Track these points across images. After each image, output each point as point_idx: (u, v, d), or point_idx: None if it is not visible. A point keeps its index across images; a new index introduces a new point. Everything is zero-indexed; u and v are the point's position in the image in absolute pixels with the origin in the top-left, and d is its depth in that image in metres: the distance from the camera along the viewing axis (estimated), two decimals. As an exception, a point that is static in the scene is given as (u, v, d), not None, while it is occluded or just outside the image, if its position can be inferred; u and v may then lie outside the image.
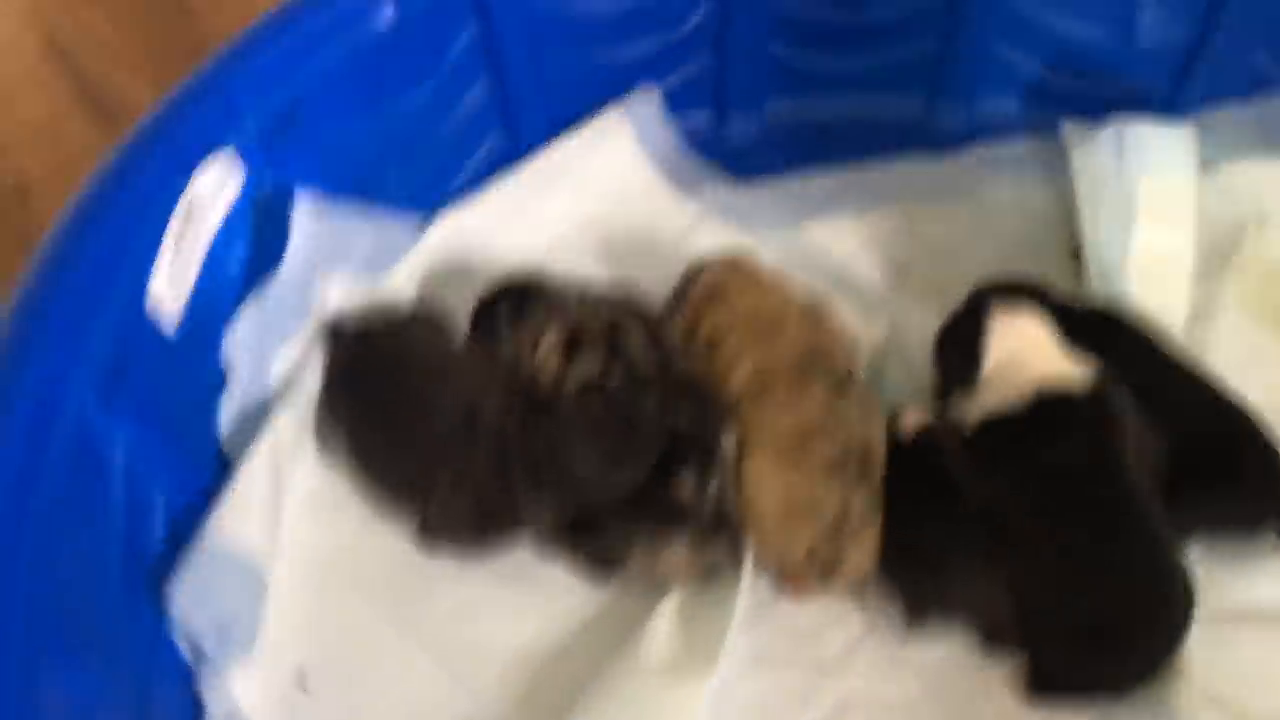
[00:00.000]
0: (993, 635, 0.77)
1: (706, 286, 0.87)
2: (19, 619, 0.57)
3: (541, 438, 0.76)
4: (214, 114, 0.72)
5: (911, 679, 0.77)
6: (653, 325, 0.84)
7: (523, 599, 0.79)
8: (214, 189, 0.71)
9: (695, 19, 1.00)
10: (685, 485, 0.75)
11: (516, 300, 0.85)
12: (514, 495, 0.76)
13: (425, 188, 0.92)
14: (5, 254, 1.02)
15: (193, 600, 0.70)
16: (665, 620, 0.76)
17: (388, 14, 0.81)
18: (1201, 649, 0.77)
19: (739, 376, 0.83)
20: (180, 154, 0.70)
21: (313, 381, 0.80)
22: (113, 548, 0.65)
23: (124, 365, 0.66)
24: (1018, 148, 1.08)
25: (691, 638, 0.76)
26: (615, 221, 0.98)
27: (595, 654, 0.76)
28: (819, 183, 1.05)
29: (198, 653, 0.70)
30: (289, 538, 0.77)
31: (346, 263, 0.85)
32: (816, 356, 0.84)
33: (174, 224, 0.69)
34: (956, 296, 0.93)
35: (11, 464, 0.59)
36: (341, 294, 0.84)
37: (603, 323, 0.82)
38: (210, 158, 0.71)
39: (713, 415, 0.79)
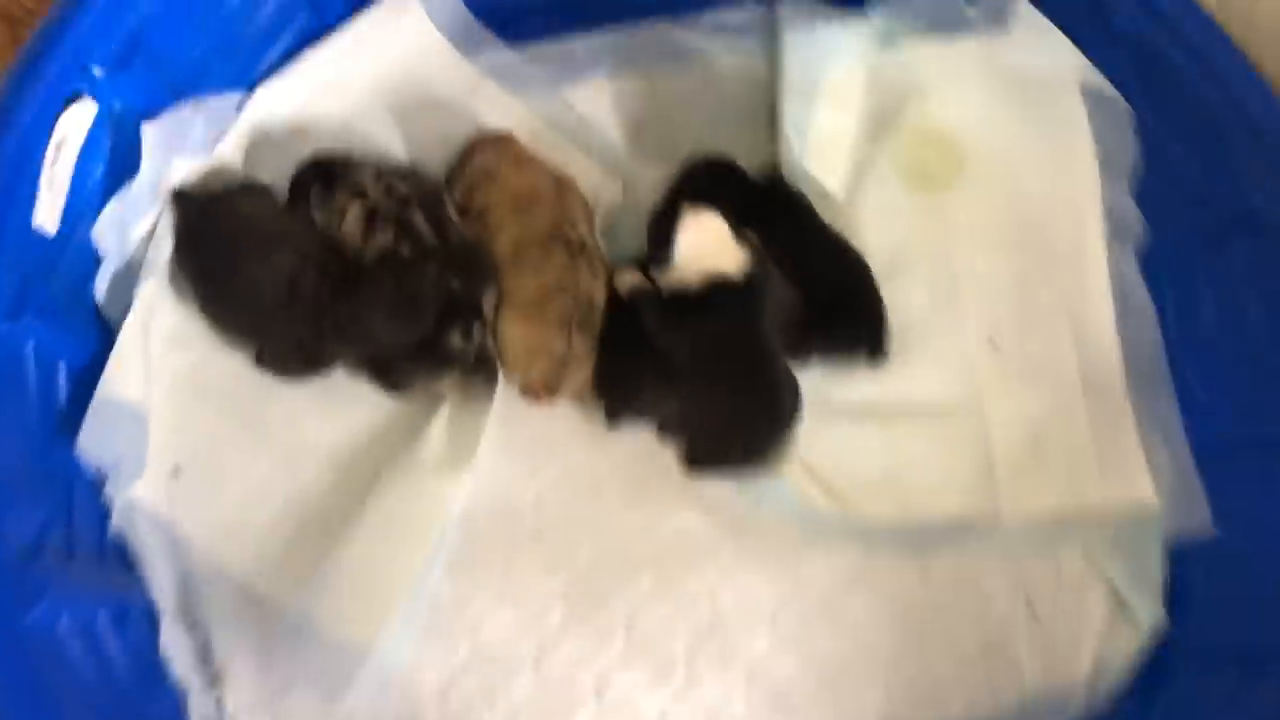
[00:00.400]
0: (664, 429, 1.13)
1: (478, 168, 1.12)
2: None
3: (347, 306, 1.03)
4: (64, 68, 0.90)
5: (608, 457, 1.13)
6: (435, 201, 1.09)
7: (336, 407, 1.09)
8: (71, 125, 0.91)
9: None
10: (455, 337, 1.06)
11: (324, 179, 1.08)
12: (327, 345, 1.05)
13: (245, 71, 1.10)
14: None
15: (95, 444, 0.96)
16: (439, 424, 1.09)
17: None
18: (808, 434, 1.14)
19: (500, 245, 1.11)
20: (42, 105, 0.89)
21: (166, 248, 1.04)
22: (31, 413, 0.92)
23: (23, 285, 0.89)
24: (746, 15, 1.30)
25: (457, 437, 1.09)
26: (407, 88, 1.17)
27: (389, 449, 1.08)
28: (577, 46, 1.24)
29: (103, 475, 0.99)
30: (157, 366, 1.04)
31: (185, 146, 1.05)
32: (561, 226, 1.11)
33: (46, 165, 0.89)
34: (680, 157, 1.21)
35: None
36: (182, 170, 1.05)
37: (395, 201, 1.07)
38: (67, 104, 0.90)
39: (479, 279, 1.08)
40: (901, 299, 1.19)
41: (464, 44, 1.21)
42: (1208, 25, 1.17)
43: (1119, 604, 1.17)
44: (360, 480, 1.07)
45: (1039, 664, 1.14)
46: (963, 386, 1.21)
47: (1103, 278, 1.25)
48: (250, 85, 1.11)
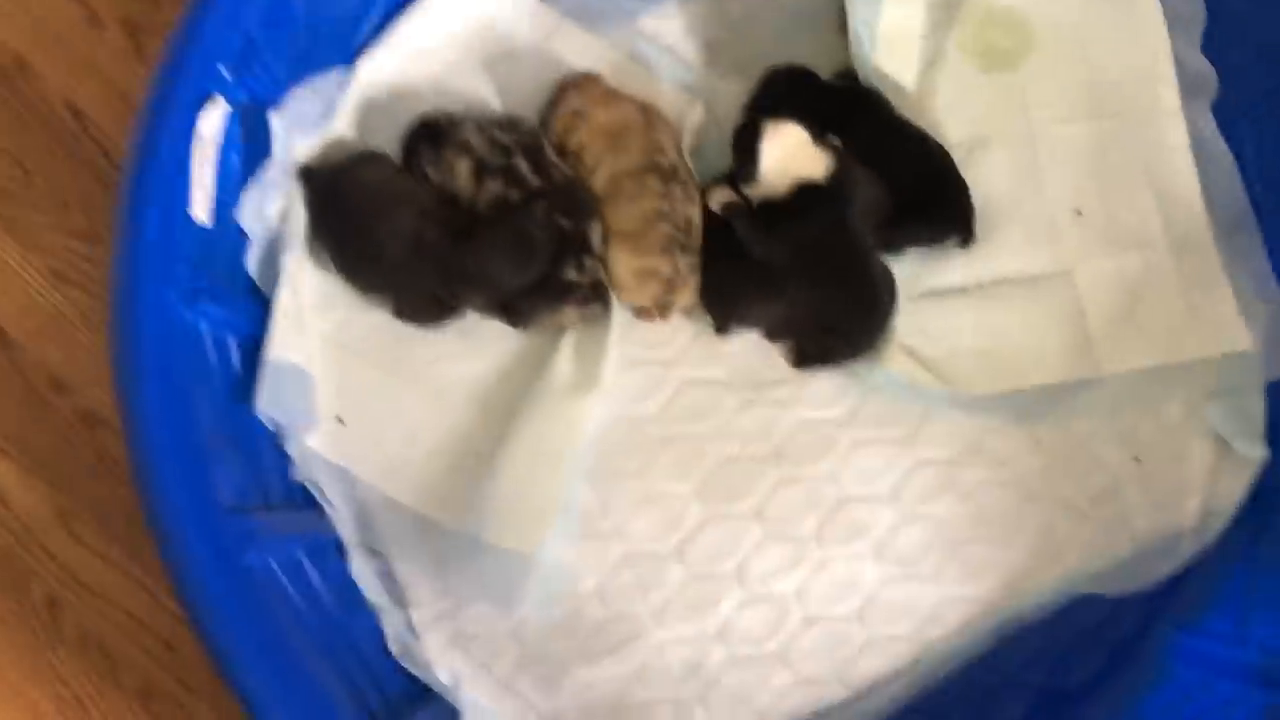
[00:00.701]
0: (771, 333, 1.21)
1: (568, 110, 1.19)
2: (186, 440, 0.98)
3: (469, 254, 1.12)
4: (197, 73, 0.99)
5: (722, 364, 1.22)
6: (535, 147, 1.17)
7: (472, 346, 1.18)
8: (211, 124, 1.01)
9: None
10: (570, 271, 1.15)
11: (431, 139, 1.17)
12: (456, 292, 1.15)
13: (345, 48, 1.19)
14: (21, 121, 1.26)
15: (270, 404, 1.08)
16: (566, 352, 1.18)
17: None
18: (907, 319, 1.21)
19: (598, 180, 1.19)
20: (184, 108, 0.99)
21: (301, 221, 1.14)
22: (215, 385, 1.04)
23: (193, 273, 1.00)
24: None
25: (583, 362, 1.18)
26: (493, 41, 1.24)
27: (524, 379, 1.18)
28: None
29: (281, 431, 1.11)
30: (309, 328, 1.15)
31: (304, 125, 1.14)
32: (653, 155, 1.18)
33: (193, 163, 1.00)
34: (757, 71, 1.26)
35: (145, 355, 0.96)
36: (305, 148, 1.15)
37: (499, 151, 1.15)
38: (203, 105, 1.00)
39: (584, 215, 1.16)
40: (984, 179, 1.24)
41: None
42: None
43: (1223, 448, 1.23)
44: (502, 409, 1.17)
45: (1148, 511, 1.21)
46: (1052, 255, 1.26)
47: (1181, 135, 1.28)
48: (351, 60, 1.19)
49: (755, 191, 1.17)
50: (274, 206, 1.12)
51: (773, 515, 1.19)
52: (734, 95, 1.27)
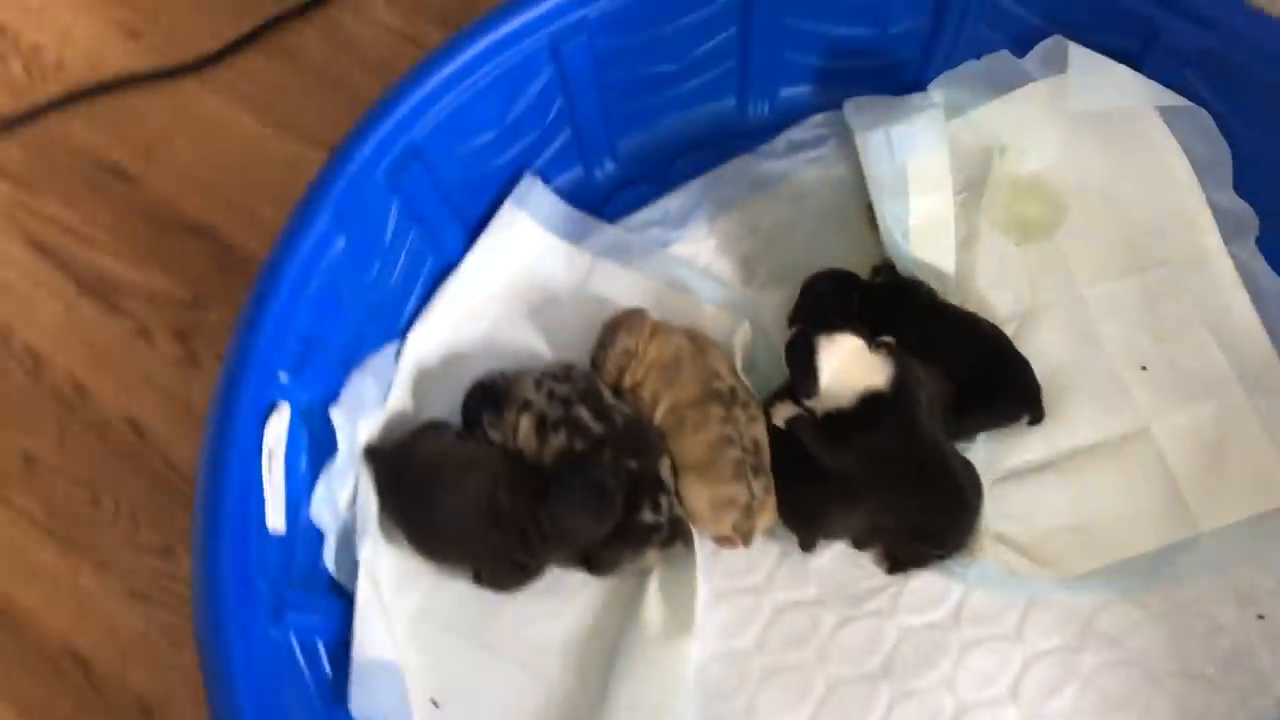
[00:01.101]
0: (859, 544, 1.18)
1: (619, 351, 1.20)
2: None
3: (545, 513, 1.11)
4: (258, 383, 1.00)
5: (813, 582, 1.18)
6: (593, 392, 1.17)
7: (557, 604, 1.15)
8: (276, 433, 1.02)
9: (554, 109, 1.25)
10: (646, 512, 1.13)
11: (491, 402, 1.17)
12: (535, 553, 1.13)
13: (393, 323, 1.21)
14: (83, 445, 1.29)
15: (366, 705, 1.04)
16: (652, 593, 1.15)
17: (340, 243, 1.08)
18: (992, 506, 1.19)
19: (659, 414, 1.18)
20: (248, 421, 1.00)
21: (372, 504, 1.13)
22: (310, 694, 1.01)
23: (275, 588, 0.99)
24: (816, 127, 1.38)
25: (672, 602, 1.14)
26: (534, 290, 1.28)
27: (615, 630, 1.14)
28: (670, 203, 1.34)
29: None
30: (392, 611, 1.13)
31: (364, 408, 1.15)
32: (710, 382, 1.18)
33: (265, 474, 1.00)
34: (795, 279, 1.27)
35: (237, 678, 0.93)
36: (366, 430, 1.15)
37: (559, 403, 1.15)
38: (268, 414, 1.01)
39: (651, 453, 1.15)
40: (1041, 351, 1.24)
41: (572, 235, 1.31)
42: (1258, 17, 1.20)
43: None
44: (597, 667, 1.13)
45: (1285, 664, 1.15)
46: (1125, 417, 1.24)
47: (1230, 274, 1.28)
48: (402, 334, 1.20)
49: (817, 406, 1.16)
50: (343, 495, 1.12)
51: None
52: (776, 306, 1.29)
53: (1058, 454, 1.22)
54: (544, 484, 1.13)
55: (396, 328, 1.21)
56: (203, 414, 1.00)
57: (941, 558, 1.17)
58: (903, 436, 1.13)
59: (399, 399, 1.20)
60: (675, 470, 1.16)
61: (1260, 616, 1.17)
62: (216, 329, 1.21)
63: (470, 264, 1.26)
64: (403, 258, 1.19)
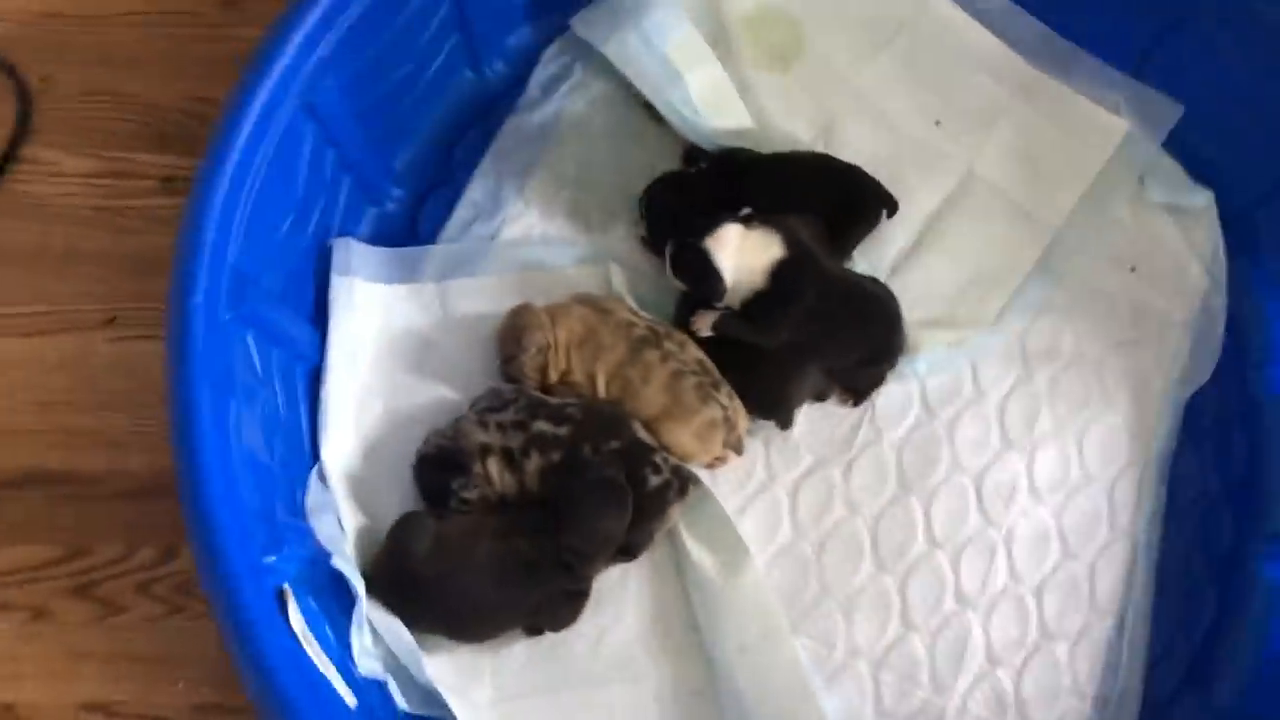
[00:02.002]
0: (820, 397, 1.22)
1: (527, 354, 1.15)
2: None
3: (574, 535, 1.07)
4: (252, 578, 0.90)
5: (807, 449, 1.21)
6: (535, 403, 1.13)
7: (612, 609, 1.13)
8: (297, 622, 0.92)
9: (329, 162, 1.17)
10: (651, 478, 1.11)
11: (451, 466, 1.10)
12: (581, 574, 1.09)
13: (302, 450, 1.12)
14: None
15: None
16: (694, 548, 1.14)
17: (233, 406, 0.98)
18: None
19: (602, 387, 1.16)
20: (264, 612, 0.90)
21: (403, 633, 1.05)
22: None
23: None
24: (558, 60, 1.35)
25: (713, 540, 1.15)
26: (404, 343, 1.21)
27: (676, 598, 1.14)
28: (474, 195, 1.29)
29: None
30: (479, 706, 1.07)
31: (336, 545, 1.05)
32: (628, 333, 1.16)
33: (315, 660, 0.91)
34: (625, 204, 1.28)
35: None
36: (351, 571, 1.05)
37: (513, 430, 1.10)
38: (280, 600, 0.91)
39: (622, 424, 1.13)
40: (856, 150, 1.31)
41: (406, 274, 1.23)
42: None
43: (1180, 215, 1.34)
44: (684, 640, 1.14)
45: (1172, 296, 1.31)
46: (949, 168, 1.34)
47: (956, 13, 1.39)
48: (316, 456, 1.11)
49: (732, 299, 1.17)
50: (371, 640, 1.03)
51: (941, 528, 1.20)
52: (625, 237, 1.28)
53: (919, 229, 1.31)
54: (548, 509, 1.09)
55: (308, 452, 1.11)
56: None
57: (891, 368, 1.23)
58: (819, 286, 1.17)
59: (352, 519, 1.10)
60: (651, 428, 1.15)
61: (1133, 269, 1.32)
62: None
63: (333, 355, 1.16)
64: (277, 380, 1.08)
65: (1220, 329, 1.31)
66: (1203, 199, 1.33)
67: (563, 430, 1.11)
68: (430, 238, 1.27)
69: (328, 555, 1.02)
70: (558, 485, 1.10)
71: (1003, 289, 1.30)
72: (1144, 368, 1.28)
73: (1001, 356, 1.27)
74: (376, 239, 1.24)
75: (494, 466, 1.10)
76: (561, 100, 1.34)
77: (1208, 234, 1.33)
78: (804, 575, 1.18)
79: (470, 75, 1.32)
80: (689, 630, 1.14)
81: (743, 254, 1.16)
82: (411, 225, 1.28)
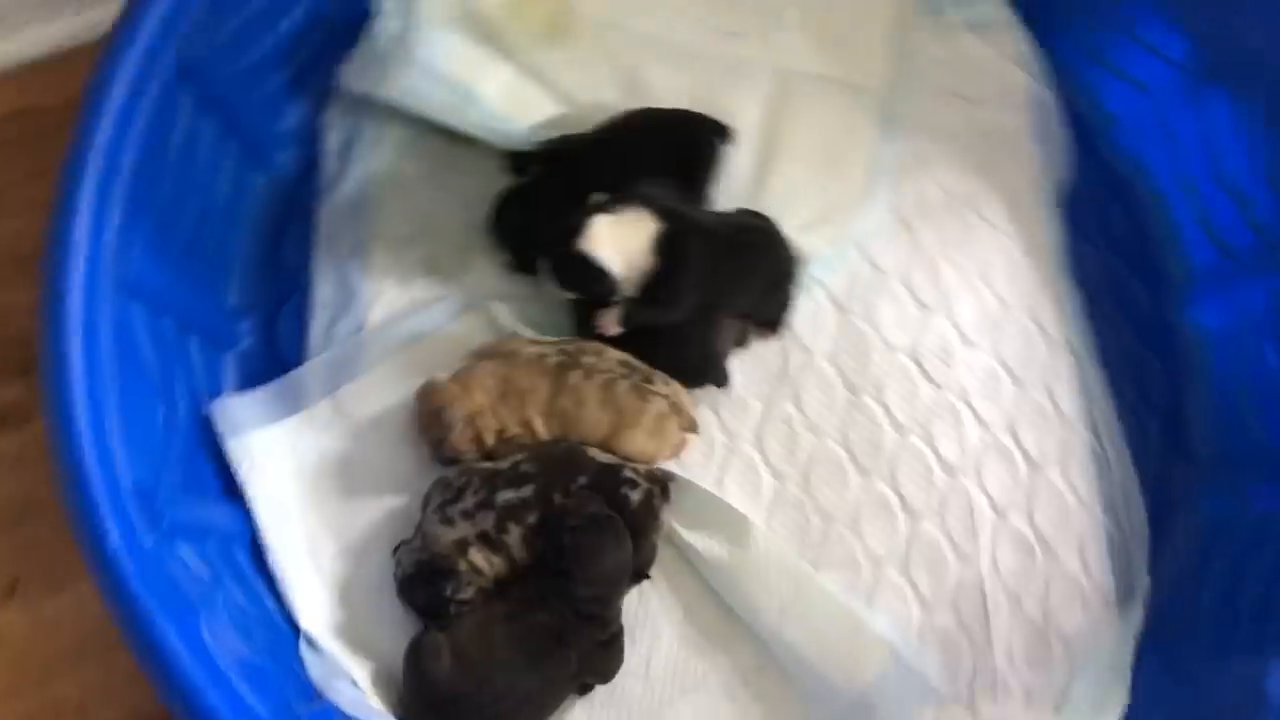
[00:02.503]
0: (740, 342, 1.21)
1: (459, 425, 1.09)
2: None
3: (588, 589, 1.03)
4: None
5: (750, 396, 1.20)
6: (486, 475, 1.07)
7: (646, 635, 1.11)
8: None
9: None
10: (631, 493, 1.08)
11: (437, 577, 1.04)
12: (609, 620, 1.05)
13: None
14: None
15: None
16: (695, 539, 1.12)
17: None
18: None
19: (541, 430, 1.11)
20: None
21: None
22: None
23: None
24: (340, 131, 1.28)
25: (710, 524, 1.13)
26: (322, 473, 1.14)
27: (700, 593, 1.13)
28: (323, 292, 1.22)
29: None
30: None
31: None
32: (543, 366, 1.11)
33: None
34: (472, 239, 1.22)
35: None
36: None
37: (478, 510, 1.05)
38: None
39: (582, 456, 1.09)
40: (664, 91, 1.29)
41: (293, 403, 1.16)
42: None
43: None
44: (724, 630, 1.13)
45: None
46: (763, 63, 1.34)
47: None
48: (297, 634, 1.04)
49: (628, 289, 1.13)
50: None
51: (901, 413, 1.21)
52: (488, 271, 1.23)
53: (757, 144, 1.30)
54: (549, 571, 1.05)
55: (289, 631, 1.04)
56: None
57: (793, 287, 1.22)
58: (705, 244, 1.13)
59: (362, 671, 1.04)
60: (607, 448, 1.11)
61: (963, 96, 1.34)
62: None
63: (264, 519, 1.09)
64: (225, 574, 1.01)
65: (1057, 118, 1.35)
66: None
67: (527, 491, 1.06)
68: (297, 357, 1.18)
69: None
70: (547, 545, 1.06)
71: (855, 166, 1.30)
72: (1011, 184, 1.31)
73: (883, 231, 1.28)
74: (247, 383, 1.16)
75: (478, 556, 1.05)
76: (364, 163, 1.26)
77: (1010, 35, 1.37)
78: (802, 514, 1.17)
79: (262, 178, 1.23)
80: (726, 618, 1.12)
81: (620, 241, 1.11)
82: (273, 352, 1.20)
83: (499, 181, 1.24)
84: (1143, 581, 1.18)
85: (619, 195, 1.14)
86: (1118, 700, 1.12)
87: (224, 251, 1.18)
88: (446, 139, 1.25)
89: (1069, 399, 1.24)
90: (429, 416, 1.11)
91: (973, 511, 1.19)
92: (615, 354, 1.14)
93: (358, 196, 1.24)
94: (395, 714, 1.01)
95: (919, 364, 1.23)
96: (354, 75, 1.23)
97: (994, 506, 1.19)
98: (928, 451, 1.20)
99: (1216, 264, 1.26)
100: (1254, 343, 1.21)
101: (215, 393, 1.13)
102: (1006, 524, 1.19)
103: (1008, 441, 1.22)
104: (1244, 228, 1.22)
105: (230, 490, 1.08)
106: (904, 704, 1.10)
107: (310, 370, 1.17)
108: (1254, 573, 1.10)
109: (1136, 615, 1.17)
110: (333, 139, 1.27)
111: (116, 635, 1.01)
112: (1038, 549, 1.18)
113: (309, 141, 1.26)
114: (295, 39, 1.20)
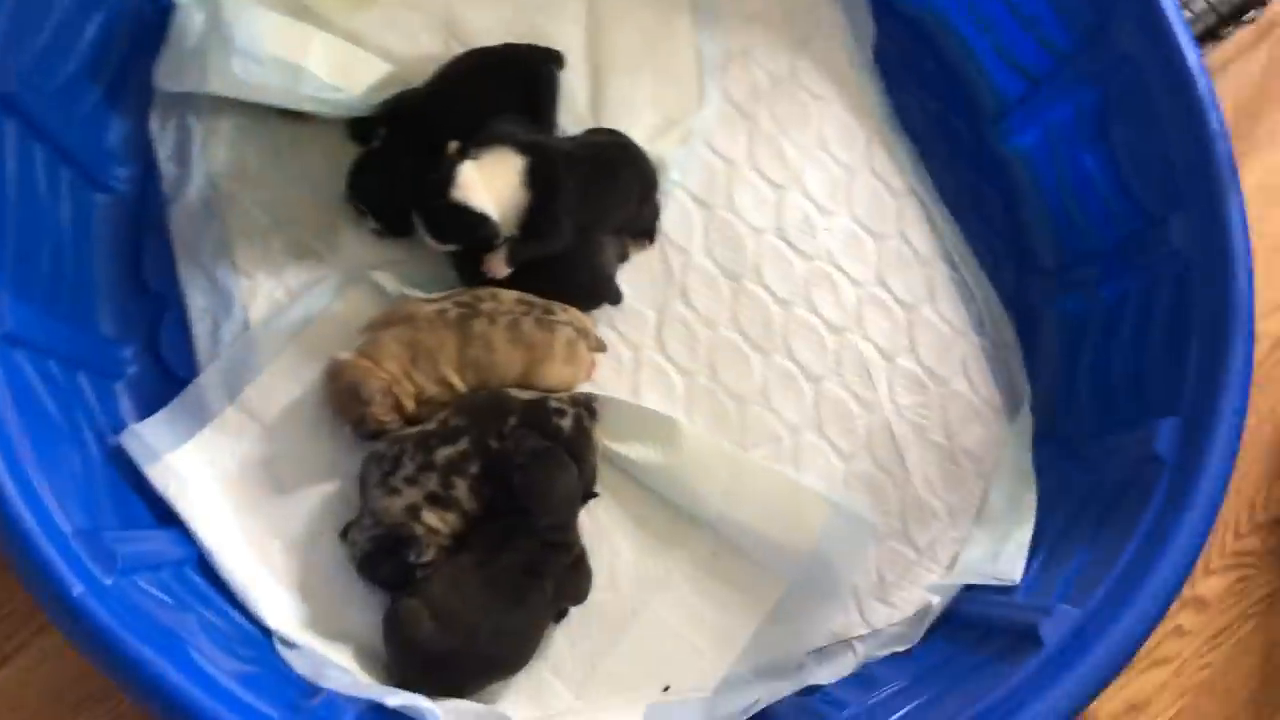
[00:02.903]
0: (624, 257, 1.25)
1: (375, 397, 1.09)
2: None
3: (548, 516, 1.07)
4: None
5: (645, 303, 1.25)
6: (422, 439, 1.09)
7: (607, 545, 1.15)
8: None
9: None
10: (564, 423, 1.11)
11: (398, 546, 1.06)
12: (573, 542, 1.09)
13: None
14: None
15: None
16: (634, 450, 1.17)
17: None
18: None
19: (459, 384, 1.13)
20: None
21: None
22: None
23: None
24: (170, 133, 1.22)
25: (644, 435, 1.17)
26: (247, 478, 1.13)
27: (646, 500, 1.18)
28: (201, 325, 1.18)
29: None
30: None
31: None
32: (448, 321, 1.13)
33: None
34: (335, 213, 1.21)
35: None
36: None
37: (427, 474, 1.07)
38: None
39: (510, 400, 1.11)
40: (481, 32, 1.29)
41: (200, 413, 1.14)
42: None
43: None
44: (672, 530, 1.19)
45: None
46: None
47: None
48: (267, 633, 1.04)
49: (509, 229, 1.15)
50: None
51: (781, 288, 1.28)
52: (362, 241, 1.22)
53: (586, 63, 1.32)
54: (503, 512, 1.08)
55: (265, 641, 1.03)
56: None
57: (656, 190, 1.26)
58: (571, 169, 1.16)
59: (346, 655, 1.06)
60: (528, 385, 1.14)
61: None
62: None
63: (204, 536, 1.07)
64: (190, 600, 0.99)
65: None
66: None
67: (463, 444, 1.08)
68: (189, 371, 1.15)
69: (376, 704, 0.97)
70: (497, 490, 1.08)
71: (684, 66, 1.34)
72: (828, 55, 1.38)
73: (722, 122, 1.33)
74: (146, 409, 1.12)
75: (431, 517, 1.07)
76: (203, 163, 1.22)
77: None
78: (717, 403, 1.23)
79: (105, 198, 1.17)
80: (674, 516, 1.19)
81: (491, 182, 1.13)
82: (164, 372, 1.16)
83: (347, 152, 1.22)
84: (1025, 388, 1.30)
85: (478, 138, 1.15)
86: (1029, 500, 1.24)
87: (85, 281, 1.13)
88: (283, 120, 1.23)
89: (923, 240, 1.33)
90: (343, 395, 1.11)
91: (865, 363, 1.27)
92: (510, 294, 1.16)
93: (206, 198, 1.20)
94: (393, 682, 1.02)
95: (786, 240, 1.30)
96: (170, 75, 1.19)
97: (882, 353, 1.28)
98: (813, 318, 1.28)
99: (1024, 90, 1.36)
100: (1070, 153, 1.32)
101: (118, 425, 1.09)
102: (896, 366, 1.28)
103: (880, 292, 1.31)
104: (1040, 51, 1.33)
105: (165, 517, 1.06)
106: (850, 547, 1.19)
107: (207, 381, 1.14)
108: (1118, 353, 1.22)
109: (1027, 419, 1.29)
110: (165, 144, 1.21)
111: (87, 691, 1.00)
112: (929, 381, 1.28)
113: (143, 151, 1.20)
114: (102, 46, 1.14)
